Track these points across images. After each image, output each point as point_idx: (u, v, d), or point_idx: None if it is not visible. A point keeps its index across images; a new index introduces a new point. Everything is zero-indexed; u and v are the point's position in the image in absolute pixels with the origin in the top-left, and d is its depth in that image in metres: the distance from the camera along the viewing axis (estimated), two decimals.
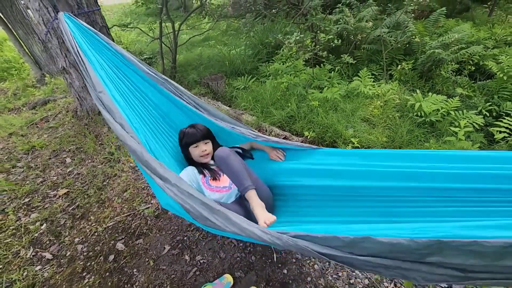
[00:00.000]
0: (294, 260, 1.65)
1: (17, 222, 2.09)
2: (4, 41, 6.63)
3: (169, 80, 1.65)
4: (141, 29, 4.47)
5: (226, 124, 1.59)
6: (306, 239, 0.88)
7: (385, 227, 0.88)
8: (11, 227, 2.04)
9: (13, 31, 4.51)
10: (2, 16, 4.39)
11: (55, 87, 4.53)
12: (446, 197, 1.14)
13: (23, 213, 2.18)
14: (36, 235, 1.98)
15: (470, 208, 1.10)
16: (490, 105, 2.90)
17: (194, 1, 9.61)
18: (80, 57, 1.37)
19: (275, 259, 1.66)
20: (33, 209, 2.21)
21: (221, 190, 1.47)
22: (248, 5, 4.08)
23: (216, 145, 1.69)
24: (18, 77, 5.08)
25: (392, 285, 1.50)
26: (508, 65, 3.09)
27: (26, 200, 2.30)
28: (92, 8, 2.60)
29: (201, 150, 1.58)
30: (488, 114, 2.82)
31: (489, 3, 6.48)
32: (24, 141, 3.06)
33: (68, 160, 2.74)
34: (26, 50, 4.75)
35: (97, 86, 1.28)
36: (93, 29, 1.57)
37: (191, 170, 1.51)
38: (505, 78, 3.04)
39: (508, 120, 2.37)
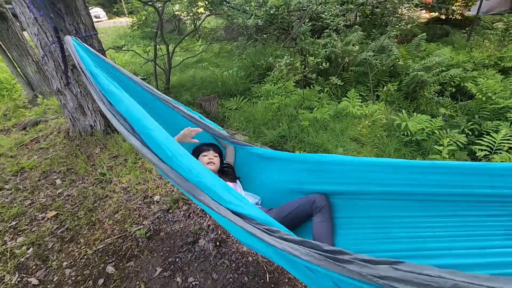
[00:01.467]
0: (286, 280, 1.65)
1: (3, 246, 2.03)
2: None
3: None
4: (136, 52, 4.58)
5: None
6: None
7: None
8: None
9: (8, 53, 4.56)
10: None
11: (47, 108, 4.52)
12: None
13: (9, 237, 2.12)
14: (22, 259, 1.92)
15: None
16: (472, 124, 3.04)
17: (188, 25, 9.92)
18: (88, 75, 1.40)
19: (267, 279, 1.65)
20: (19, 233, 2.15)
21: None
22: (240, 29, 4.26)
23: (221, 164, 1.83)
24: (9, 98, 5.07)
25: None
26: (486, 87, 3.27)
27: (13, 223, 2.25)
28: (89, 33, 2.69)
29: (209, 157, 1.73)
30: (470, 133, 2.95)
31: (467, 28, 6.92)
32: (13, 162, 3.02)
33: (58, 181, 2.70)
34: (20, 71, 4.78)
35: (105, 101, 1.31)
36: (97, 52, 1.62)
37: None
38: (484, 99, 3.21)
39: (488, 138, 2.48)
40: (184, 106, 1.70)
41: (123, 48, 5.85)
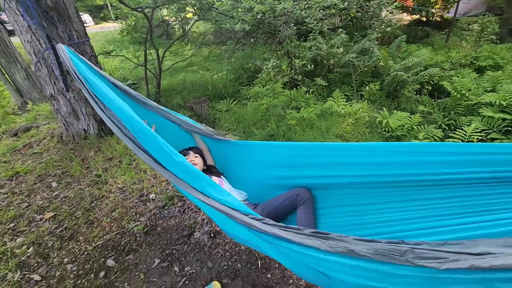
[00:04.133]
0: (277, 265, 1.78)
1: (3, 247, 2.09)
2: None
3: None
4: (126, 57, 4.66)
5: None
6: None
7: None
8: None
9: None
10: None
11: (38, 114, 4.54)
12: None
13: (8, 238, 2.18)
14: (23, 258, 1.99)
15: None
16: (448, 120, 3.26)
17: (176, 29, 10.00)
18: (82, 81, 1.49)
19: (259, 265, 1.78)
20: (19, 234, 2.22)
21: None
22: (228, 34, 4.40)
23: (205, 164, 1.89)
24: None
25: None
26: (461, 85, 3.51)
27: (11, 225, 2.31)
28: (82, 39, 2.78)
29: (190, 160, 1.78)
30: (447, 128, 3.16)
31: (446, 30, 7.25)
32: (7, 167, 3.06)
33: (54, 184, 2.77)
34: (8, 78, 4.79)
35: (102, 106, 1.38)
36: (87, 60, 1.72)
37: None
38: (458, 96, 3.43)
39: (460, 132, 2.69)
40: (171, 111, 1.80)
41: (112, 53, 5.91)
